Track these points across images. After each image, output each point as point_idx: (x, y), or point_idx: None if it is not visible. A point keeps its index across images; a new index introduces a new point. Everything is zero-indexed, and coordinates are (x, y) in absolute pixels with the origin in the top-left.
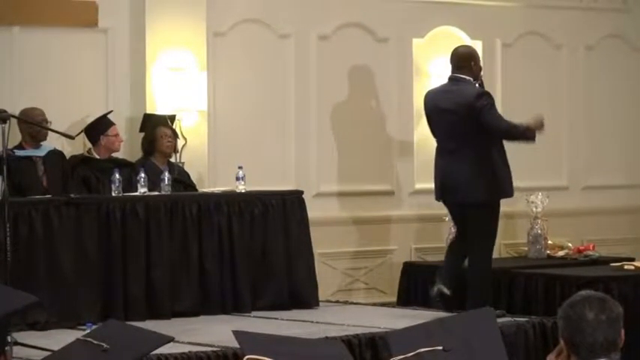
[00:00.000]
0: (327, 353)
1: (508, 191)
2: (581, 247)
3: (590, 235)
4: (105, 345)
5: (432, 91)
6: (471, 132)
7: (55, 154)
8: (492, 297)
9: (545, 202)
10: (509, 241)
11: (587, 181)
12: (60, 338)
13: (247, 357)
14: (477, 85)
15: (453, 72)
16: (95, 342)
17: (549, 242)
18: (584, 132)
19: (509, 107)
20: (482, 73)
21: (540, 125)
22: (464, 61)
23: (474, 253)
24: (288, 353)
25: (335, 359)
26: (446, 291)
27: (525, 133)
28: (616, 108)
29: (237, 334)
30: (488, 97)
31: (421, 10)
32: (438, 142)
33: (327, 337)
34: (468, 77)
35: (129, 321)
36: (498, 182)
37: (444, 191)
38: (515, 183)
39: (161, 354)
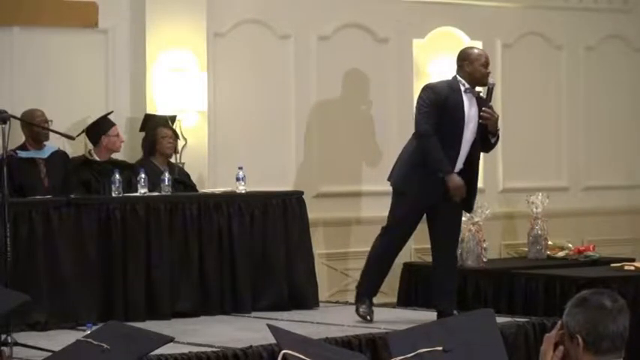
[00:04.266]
0: None
1: (416, 187)
2: (582, 248)
3: (591, 236)
4: (105, 345)
5: None
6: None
7: (58, 155)
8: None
9: (546, 202)
10: (509, 241)
11: (588, 181)
12: (60, 339)
13: (284, 352)
14: (465, 87)
15: None
16: (95, 342)
17: (549, 243)
18: (584, 132)
19: (509, 108)
20: (490, 79)
21: (455, 191)
22: (458, 60)
23: (376, 239)
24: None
25: None
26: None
27: (433, 161)
28: (616, 108)
29: (272, 328)
30: (427, 92)
31: (421, 10)
32: None
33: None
34: (459, 77)
35: (129, 321)
36: (410, 175)
37: None
38: (516, 183)
39: (161, 354)
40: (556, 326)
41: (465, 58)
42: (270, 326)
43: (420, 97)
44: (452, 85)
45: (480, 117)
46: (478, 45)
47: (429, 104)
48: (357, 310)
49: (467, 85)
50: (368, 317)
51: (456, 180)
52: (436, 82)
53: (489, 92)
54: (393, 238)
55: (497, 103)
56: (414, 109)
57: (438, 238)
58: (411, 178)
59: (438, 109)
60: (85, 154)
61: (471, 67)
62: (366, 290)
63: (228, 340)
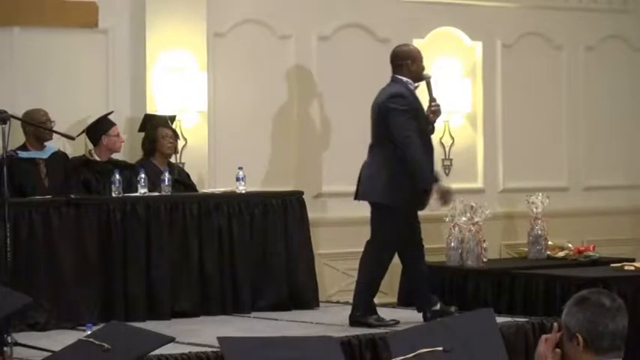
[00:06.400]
0: (316, 355)
1: (407, 199)
2: (582, 248)
3: (591, 236)
4: (106, 345)
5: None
6: (383, 132)
7: (59, 156)
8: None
9: (546, 202)
10: (509, 241)
11: (588, 181)
12: (60, 339)
13: None
14: (413, 86)
15: (392, 72)
16: (97, 342)
17: (549, 243)
18: (584, 132)
19: (509, 108)
20: (426, 73)
21: (443, 195)
22: (399, 59)
23: (365, 255)
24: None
25: None
26: (435, 308)
27: (421, 170)
28: (616, 108)
29: (221, 340)
30: (399, 99)
31: (421, 10)
32: None
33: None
34: (404, 78)
35: (129, 321)
36: (397, 188)
37: (357, 187)
38: (516, 183)
39: (161, 354)
40: (554, 328)
41: (407, 57)
42: (220, 339)
43: (391, 106)
44: (407, 87)
45: (431, 112)
46: (478, 45)
47: (406, 111)
48: (369, 324)
49: (414, 84)
50: (391, 320)
51: (447, 186)
52: (395, 89)
53: (430, 85)
54: (392, 254)
55: (497, 103)
56: (376, 120)
57: (419, 243)
58: (399, 191)
59: (413, 114)
60: (85, 154)
61: (415, 65)
62: (372, 302)
63: None
